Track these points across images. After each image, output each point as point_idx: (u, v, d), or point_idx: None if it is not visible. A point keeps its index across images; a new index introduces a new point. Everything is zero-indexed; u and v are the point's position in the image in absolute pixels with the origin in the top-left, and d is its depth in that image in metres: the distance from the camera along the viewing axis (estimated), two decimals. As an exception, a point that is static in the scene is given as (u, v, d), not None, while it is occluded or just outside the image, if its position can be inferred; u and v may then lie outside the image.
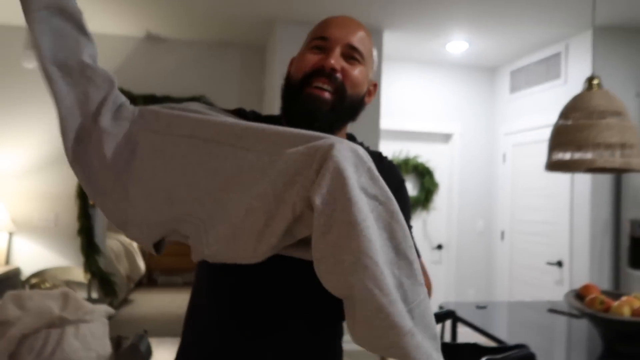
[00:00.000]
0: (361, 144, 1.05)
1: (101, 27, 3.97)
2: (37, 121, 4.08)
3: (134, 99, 4.15)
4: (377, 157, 1.07)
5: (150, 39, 4.25)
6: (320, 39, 1.00)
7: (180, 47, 4.32)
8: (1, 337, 2.07)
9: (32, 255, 3.99)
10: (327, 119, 0.98)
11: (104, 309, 2.35)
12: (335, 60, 0.98)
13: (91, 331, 2.25)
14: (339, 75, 0.98)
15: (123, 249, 5.86)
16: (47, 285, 2.52)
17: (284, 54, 3.75)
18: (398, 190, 0.99)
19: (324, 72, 0.97)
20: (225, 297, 0.98)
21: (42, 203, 4.06)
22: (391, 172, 1.07)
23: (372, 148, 1.01)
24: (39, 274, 3.58)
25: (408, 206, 1.08)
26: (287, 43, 3.76)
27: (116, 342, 2.23)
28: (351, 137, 1.12)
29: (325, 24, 1.02)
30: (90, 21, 0.85)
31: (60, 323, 2.15)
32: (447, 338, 2.22)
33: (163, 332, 4.12)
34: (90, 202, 4.03)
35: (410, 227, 0.99)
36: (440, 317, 2.22)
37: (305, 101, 0.98)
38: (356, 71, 1.00)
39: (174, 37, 4.26)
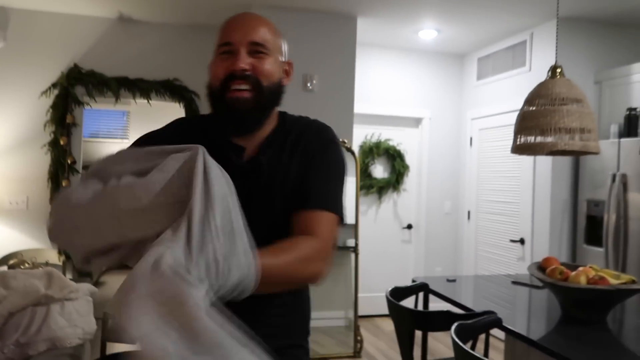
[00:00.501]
0: (300, 118, 1.21)
1: (73, 7, 3.90)
2: (6, 104, 4.00)
3: (107, 82, 4.11)
4: (305, 122, 1.20)
5: (123, 20, 4.20)
6: (225, 45, 1.09)
7: (153, 30, 4.29)
8: (-12, 315, 2.10)
9: (4, 238, 3.94)
10: (254, 114, 1.09)
11: (88, 287, 2.39)
12: (243, 61, 1.06)
13: (76, 309, 2.29)
14: (250, 73, 1.07)
15: (94, 232, 5.81)
16: (27, 265, 2.53)
17: (259, 37, 3.79)
18: (324, 149, 1.13)
19: (237, 75, 1.06)
20: None
21: (13, 186, 4.00)
22: (319, 133, 1.17)
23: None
24: (14, 255, 3.56)
25: (335, 161, 1.16)
26: (263, 27, 3.79)
27: (103, 319, 2.28)
28: (283, 115, 1.22)
29: (226, 29, 1.10)
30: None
31: (46, 301, 2.19)
32: (420, 308, 2.37)
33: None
34: (63, 183, 4.00)
35: (341, 182, 1.15)
36: (414, 289, 2.37)
37: (229, 106, 1.07)
38: (265, 63, 1.09)
39: (146, 19, 4.21)
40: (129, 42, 4.25)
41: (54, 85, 4.03)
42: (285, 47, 1.18)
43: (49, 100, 4.02)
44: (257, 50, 1.08)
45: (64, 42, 4.10)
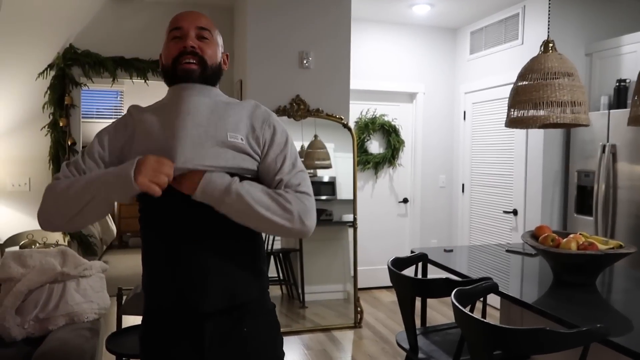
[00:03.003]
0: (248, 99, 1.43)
1: (66, -14, 3.88)
2: (4, 86, 4.01)
3: (103, 62, 4.12)
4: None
5: (117, -1, 4.19)
6: (176, 30, 1.32)
7: (148, 8, 4.28)
8: (7, 292, 2.18)
9: (8, 220, 4.01)
10: (200, 83, 1.30)
11: (100, 264, 2.48)
12: (192, 40, 1.30)
13: (90, 285, 2.38)
14: (198, 51, 1.31)
15: (94, 212, 5.88)
16: (39, 245, 2.60)
17: (254, 14, 3.81)
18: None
19: (187, 51, 1.29)
20: (163, 222, 1.28)
21: (15, 168, 4.05)
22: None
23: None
24: (21, 236, 3.63)
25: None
26: (257, 4, 3.81)
27: (118, 293, 2.38)
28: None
29: (176, 19, 1.34)
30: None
31: (62, 278, 2.27)
32: (420, 276, 2.49)
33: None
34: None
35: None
36: (414, 259, 2.49)
37: (180, 76, 1.30)
38: (209, 47, 1.33)
39: (141, -3, 4.20)
40: (124, 21, 4.25)
41: (50, 67, 4.04)
42: (221, 41, 1.41)
43: (46, 82, 4.04)
44: (203, 35, 1.33)
45: (58, 22, 4.09)
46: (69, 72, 4.05)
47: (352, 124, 4.71)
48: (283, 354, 1.43)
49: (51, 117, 4.03)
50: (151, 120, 1.28)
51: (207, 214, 1.23)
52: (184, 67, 1.29)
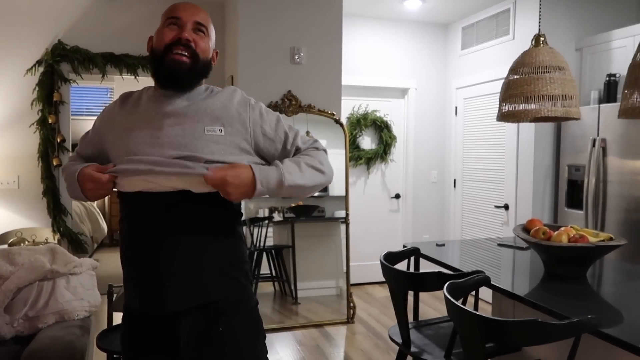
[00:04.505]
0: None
1: (54, -19, 3.83)
2: (-9, 81, 3.96)
3: (92, 58, 4.08)
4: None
5: (106, -6, 4.14)
6: (174, 18, 1.31)
7: (138, 4, 4.24)
8: (-4, 291, 2.15)
9: (-3, 218, 3.96)
10: (187, 77, 1.31)
11: (90, 262, 2.46)
12: (189, 33, 1.30)
13: (81, 282, 2.36)
14: (192, 44, 1.30)
15: (86, 211, 5.84)
16: (28, 243, 2.57)
17: (245, 10, 3.79)
18: (246, 103, 1.36)
19: (181, 42, 1.29)
20: (136, 219, 1.30)
21: (4, 165, 4.00)
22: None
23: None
24: (10, 234, 3.59)
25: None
26: (248, 0, 3.79)
27: (109, 291, 2.36)
28: (207, 86, 1.42)
29: (175, 8, 1.33)
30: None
31: (52, 276, 2.25)
32: (412, 270, 2.49)
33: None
34: (54, 162, 4.00)
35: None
36: (406, 253, 2.49)
37: (169, 65, 1.29)
38: (203, 42, 1.33)
39: (130, -8, 4.16)
40: (114, 17, 4.20)
41: (38, 63, 3.99)
42: (214, 37, 1.41)
43: (34, 78, 3.99)
44: (199, 29, 1.33)
45: (47, 17, 4.04)
46: (57, 69, 4.01)
47: (344, 120, 4.70)
48: (265, 352, 1.40)
49: (40, 113, 3.99)
50: (133, 117, 1.32)
51: (181, 211, 1.25)
52: (174, 57, 1.28)
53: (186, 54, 1.28)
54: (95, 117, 1.51)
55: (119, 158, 1.27)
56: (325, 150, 1.45)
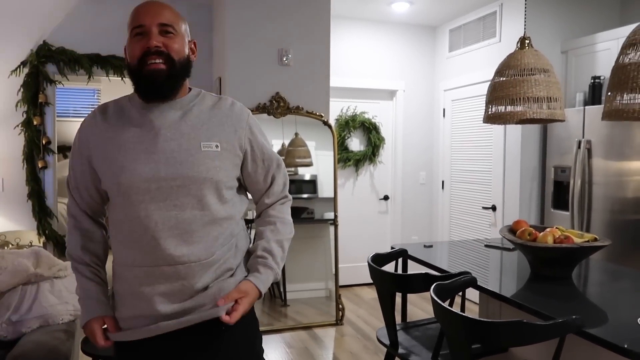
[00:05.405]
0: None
1: (39, -18, 3.79)
2: (-26, 82, 3.90)
3: (78, 59, 4.04)
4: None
5: (92, -5, 4.10)
6: (138, 27, 1.26)
7: (125, 4, 4.20)
8: (-22, 295, 2.12)
9: (-19, 221, 3.90)
10: (167, 84, 1.28)
11: (75, 265, 2.43)
12: (155, 39, 1.25)
13: (65, 286, 2.33)
14: (163, 49, 1.26)
15: (71, 212, 5.77)
16: (12, 246, 2.53)
17: (233, 11, 3.78)
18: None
19: (151, 51, 1.25)
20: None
21: (-13, 167, 3.94)
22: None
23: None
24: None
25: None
26: (236, 0, 3.77)
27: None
28: (191, 88, 1.40)
29: (137, 14, 1.27)
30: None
31: (35, 279, 2.22)
32: (400, 272, 2.50)
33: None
34: (39, 164, 3.95)
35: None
36: (394, 255, 2.49)
37: (147, 77, 1.26)
38: (174, 42, 1.28)
39: (117, -7, 4.13)
40: (100, 18, 4.17)
41: (23, 64, 3.94)
42: (187, 29, 1.36)
43: (19, 79, 3.94)
44: (166, 30, 1.27)
45: (32, 18, 4.00)
46: (43, 70, 3.96)
47: (332, 122, 4.71)
48: (262, 350, 1.42)
49: (25, 115, 3.93)
50: (123, 131, 1.28)
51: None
52: (150, 68, 1.24)
53: (160, 60, 1.25)
54: (82, 119, 1.46)
55: (113, 176, 1.25)
56: (291, 199, 1.50)
